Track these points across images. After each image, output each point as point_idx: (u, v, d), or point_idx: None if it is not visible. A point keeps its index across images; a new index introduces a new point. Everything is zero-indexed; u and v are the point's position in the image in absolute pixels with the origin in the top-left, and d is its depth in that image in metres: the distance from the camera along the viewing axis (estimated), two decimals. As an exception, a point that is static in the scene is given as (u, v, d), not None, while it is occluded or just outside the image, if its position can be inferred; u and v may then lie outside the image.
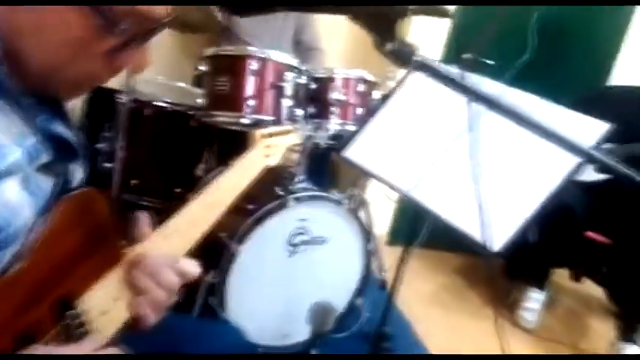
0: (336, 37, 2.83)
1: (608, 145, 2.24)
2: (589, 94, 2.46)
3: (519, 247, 2.30)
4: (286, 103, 1.69)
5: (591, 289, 2.46)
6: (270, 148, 1.08)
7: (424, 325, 2.04)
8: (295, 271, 1.62)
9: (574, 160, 0.89)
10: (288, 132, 1.18)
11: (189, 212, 0.76)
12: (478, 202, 0.90)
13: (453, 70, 0.68)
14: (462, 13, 2.52)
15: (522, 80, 2.44)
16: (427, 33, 2.54)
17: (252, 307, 1.58)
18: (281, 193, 1.59)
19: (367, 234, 1.73)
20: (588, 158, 0.66)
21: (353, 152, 1.23)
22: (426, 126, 1.11)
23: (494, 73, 2.47)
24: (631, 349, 1.99)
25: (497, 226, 0.90)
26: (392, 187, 1.12)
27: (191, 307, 1.53)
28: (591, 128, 1.00)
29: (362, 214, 2.24)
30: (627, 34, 2.67)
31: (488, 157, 0.97)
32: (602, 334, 2.26)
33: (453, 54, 2.46)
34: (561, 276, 2.47)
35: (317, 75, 1.77)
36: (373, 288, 2.08)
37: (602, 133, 0.99)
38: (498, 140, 0.99)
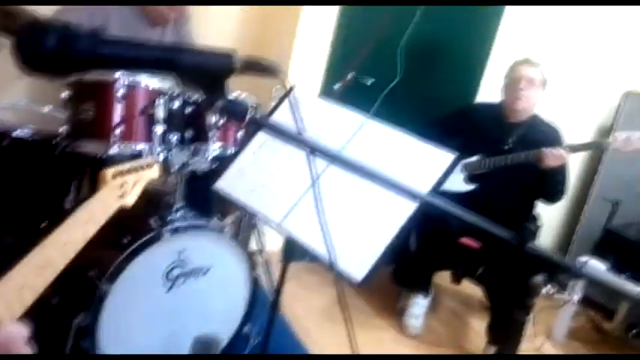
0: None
1: (474, 158, 2.44)
2: (455, 111, 2.66)
3: (403, 256, 2.44)
4: (159, 129, 1.62)
5: (470, 289, 2.66)
6: (126, 186, 1.02)
7: (316, 340, 2.06)
8: (176, 306, 1.56)
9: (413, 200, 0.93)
10: (148, 166, 1.12)
11: (16, 275, 0.68)
12: (327, 243, 0.92)
13: (289, 126, 0.68)
14: (340, 33, 2.61)
15: (395, 99, 2.60)
16: (308, 53, 2.61)
17: (129, 347, 1.49)
18: (156, 224, 1.52)
19: (251, 259, 1.71)
20: (425, 202, 0.69)
21: (224, 184, 1.21)
22: (288, 161, 1.12)
23: (371, 93, 2.60)
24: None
25: (358, 257, 0.93)
26: (263, 219, 1.11)
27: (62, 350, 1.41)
28: (440, 159, 1.06)
29: (252, 235, 2.22)
30: (491, 51, 2.93)
31: (337, 198, 1.00)
32: (482, 332, 2.43)
33: (335, 73, 2.52)
34: (443, 278, 2.63)
35: (192, 99, 1.72)
36: (265, 310, 2.07)
37: (449, 164, 1.05)
38: (343, 184, 1.02)
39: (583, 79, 3.19)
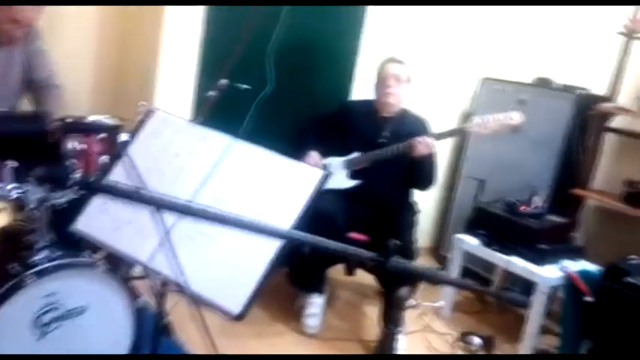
0: (82, 73, 2.61)
1: (354, 155, 2.53)
2: (331, 111, 2.74)
3: (296, 258, 2.46)
4: (12, 164, 1.46)
5: (364, 278, 2.75)
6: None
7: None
8: (54, 351, 1.44)
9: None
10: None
11: None
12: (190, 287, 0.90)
13: (128, 185, 0.65)
14: (209, 37, 2.54)
15: (270, 104, 2.61)
16: (177, 60, 2.51)
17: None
18: (16, 270, 1.38)
19: (131, 290, 1.62)
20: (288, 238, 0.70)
21: (84, 222, 1.12)
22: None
23: (246, 99, 2.57)
24: (399, 339, 2.28)
25: (233, 293, 0.92)
26: (130, 260, 1.06)
27: None
28: (309, 175, 1.08)
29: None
30: (359, 49, 3.04)
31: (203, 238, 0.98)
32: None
33: (207, 79, 2.46)
34: (337, 271, 2.70)
35: (47, 128, 1.58)
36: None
37: (319, 179, 1.07)
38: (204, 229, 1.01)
39: (443, 70, 3.44)
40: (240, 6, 2.48)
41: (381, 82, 2.55)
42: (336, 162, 2.57)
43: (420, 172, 2.49)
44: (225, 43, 2.51)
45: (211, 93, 2.28)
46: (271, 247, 0.91)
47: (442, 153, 3.48)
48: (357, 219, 2.45)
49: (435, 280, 0.85)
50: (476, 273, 3.22)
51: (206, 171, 1.01)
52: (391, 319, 2.30)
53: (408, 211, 2.56)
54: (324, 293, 2.46)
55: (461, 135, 2.47)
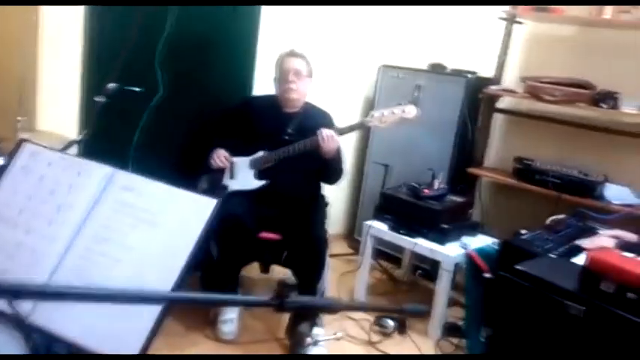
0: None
1: (260, 154, 2.50)
2: (232, 107, 2.67)
3: (207, 262, 2.40)
4: None
5: (280, 273, 2.75)
6: None
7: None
8: None
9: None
10: None
11: None
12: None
13: None
14: (93, 38, 2.36)
15: (164, 110, 2.49)
16: (58, 63, 2.31)
17: None
18: None
19: (26, 326, 1.50)
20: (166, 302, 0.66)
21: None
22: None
23: (138, 102, 2.44)
24: (315, 330, 2.32)
25: (123, 341, 0.86)
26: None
27: None
28: (203, 206, 1.03)
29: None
30: (257, 44, 2.97)
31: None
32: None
33: (94, 84, 2.28)
34: (252, 269, 2.68)
35: None
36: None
37: (213, 208, 1.03)
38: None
39: (344, 60, 3.48)
40: (124, 6, 2.32)
41: (282, 78, 2.52)
42: (242, 162, 2.52)
43: (327, 167, 2.51)
44: (112, 45, 2.36)
45: (99, 99, 2.13)
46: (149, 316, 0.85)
47: (350, 140, 3.56)
48: (268, 218, 2.43)
49: (334, 310, 0.85)
50: (387, 253, 3.35)
51: (86, 208, 0.94)
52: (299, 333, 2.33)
53: (317, 205, 2.59)
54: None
55: (362, 129, 2.52)
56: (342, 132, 2.44)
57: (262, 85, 2.94)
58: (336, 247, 3.66)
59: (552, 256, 2.00)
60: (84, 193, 0.93)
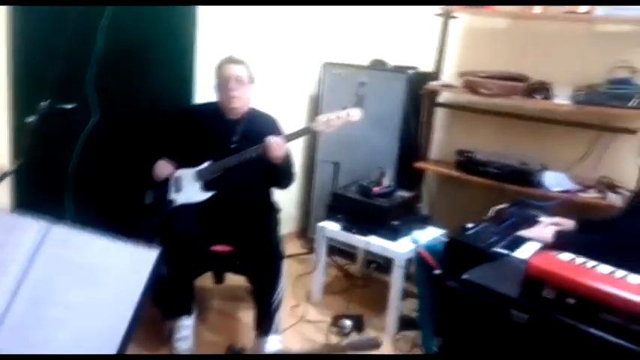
0: None
1: (206, 165, 2.44)
2: (172, 117, 2.60)
3: (160, 281, 2.33)
4: None
5: (234, 280, 2.70)
6: None
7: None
8: None
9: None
10: None
11: None
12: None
13: None
14: (19, 52, 2.21)
15: (101, 131, 2.37)
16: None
17: None
18: None
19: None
20: None
21: None
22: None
23: (74, 120, 2.32)
24: (273, 340, 2.31)
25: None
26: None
27: None
28: (143, 258, 1.00)
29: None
30: (196, 50, 2.88)
31: None
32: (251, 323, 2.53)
33: (26, 101, 2.15)
34: (206, 279, 2.62)
35: None
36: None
37: (155, 260, 1.00)
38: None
39: (286, 59, 3.45)
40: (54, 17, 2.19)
41: (223, 85, 2.47)
42: (188, 174, 2.46)
43: (277, 173, 2.49)
44: (41, 59, 2.23)
45: (31, 119, 2.02)
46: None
47: (299, 139, 3.53)
48: (219, 230, 2.39)
49: None
50: (341, 250, 3.38)
51: (21, 269, 0.89)
52: (265, 325, 2.33)
53: (269, 213, 2.57)
54: (193, 312, 2.38)
55: (309, 134, 2.50)
56: (289, 138, 2.42)
57: (204, 92, 2.87)
58: (290, 246, 3.66)
59: (498, 250, 2.08)
60: (17, 252, 0.88)
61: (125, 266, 0.92)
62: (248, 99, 2.52)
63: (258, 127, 2.51)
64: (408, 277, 2.82)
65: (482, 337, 1.26)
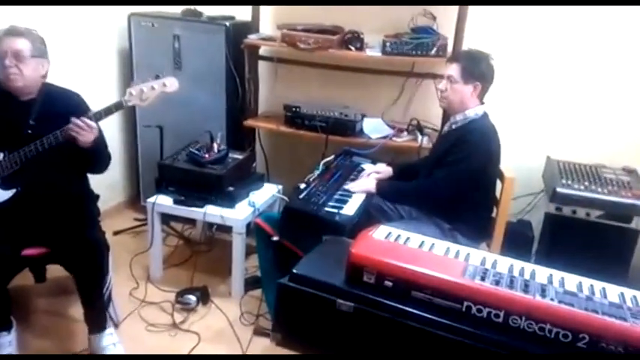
0: None
1: (-4, 160, 2.06)
2: None
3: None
4: None
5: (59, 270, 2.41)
6: None
7: None
8: None
9: None
10: None
11: None
12: None
13: None
14: None
15: None
16: None
17: None
18: None
19: None
20: None
21: None
22: None
23: None
24: (109, 336, 2.17)
25: None
26: None
27: None
28: None
29: None
30: None
31: None
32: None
33: None
34: (26, 278, 2.30)
35: None
36: None
37: None
38: None
39: (84, 16, 3.00)
40: None
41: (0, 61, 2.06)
42: (-25, 172, 2.07)
43: (90, 157, 2.22)
44: None
45: None
46: None
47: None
48: (29, 232, 2.09)
49: None
50: (179, 217, 3.24)
51: None
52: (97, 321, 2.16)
53: (87, 203, 2.32)
54: (13, 325, 2.10)
55: (121, 109, 2.22)
56: (98, 117, 2.14)
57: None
58: (122, 219, 3.42)
59: (329, 210, 2.19)
60: None
61: None
62: (35, 76, 2.14)
63: (58, 105, 2.18)
64: (247, 234, 2.79)
65: (317, 330, 1.32)
